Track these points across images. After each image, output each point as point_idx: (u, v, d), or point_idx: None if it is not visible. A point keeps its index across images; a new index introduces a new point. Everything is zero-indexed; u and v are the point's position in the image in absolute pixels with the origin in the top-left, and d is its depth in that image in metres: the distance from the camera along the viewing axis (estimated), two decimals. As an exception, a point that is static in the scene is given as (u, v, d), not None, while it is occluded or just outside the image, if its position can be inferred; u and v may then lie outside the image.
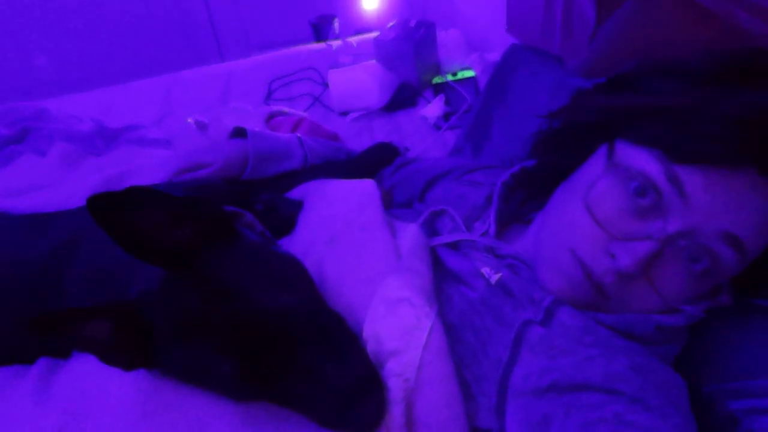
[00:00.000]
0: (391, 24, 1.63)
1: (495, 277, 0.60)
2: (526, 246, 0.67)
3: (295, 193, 0.88)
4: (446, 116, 1.48)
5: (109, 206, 0.46)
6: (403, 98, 1.58)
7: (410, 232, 0.65)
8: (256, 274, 0.52)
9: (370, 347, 0.54)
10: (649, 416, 0.47)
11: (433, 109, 1.49)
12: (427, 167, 0.92)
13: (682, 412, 0.49)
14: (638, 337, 0.57)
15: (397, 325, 0.54)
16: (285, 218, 0.80)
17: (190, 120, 1.02)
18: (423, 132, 1.48)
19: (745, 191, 0.50)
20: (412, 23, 1.58)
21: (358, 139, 1.47)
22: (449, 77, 1.60)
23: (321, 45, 1.97)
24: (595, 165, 0.58)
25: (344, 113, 1.58)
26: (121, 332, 0.50)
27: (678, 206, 0.51)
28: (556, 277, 0.58)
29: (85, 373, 0.56)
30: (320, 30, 2.38)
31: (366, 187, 0.74)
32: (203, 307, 0.49)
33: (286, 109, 1.19)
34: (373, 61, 1.62)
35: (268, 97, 1.70)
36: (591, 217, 0.55)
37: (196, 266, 0.51)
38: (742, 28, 0.74)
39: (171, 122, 1.60)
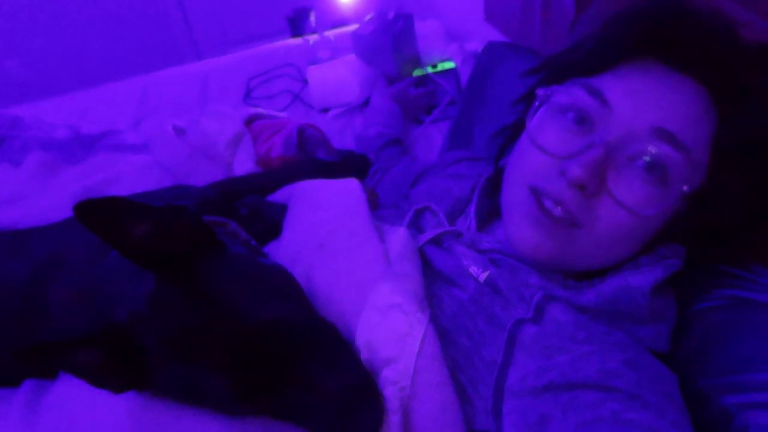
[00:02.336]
0: (368, 17, 1.61)
1: (483, 276, 0.60)
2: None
3: (280, 196, 0.87)
4: (428, 109, 1.47)
5: (96, 212, 0.44)
6: (383, 92, 1.56)
7: (398, 236, 0.64)
8: (245, 286, 0.51)
9: (364, 356, 0.54)
10: (647, 414, 0.47)
11: (414, 102, 1.48)
12: (410, 166, 0.92)
13: (677, 406, 0.49)
14: (626, 315, 0.57)
15: (390, 332, 0.54)
16: (270, 222, 0.79)
17: (168, 126, 1.00)
18: (406, 126, 1.47)
19: (661, 86, 0.55)
20: (390, 15, 1.56)
21: (340, 137, 1.46)
22: (429, 69, 1.59)
23: (298, 40, 1.95)
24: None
25: (325, 110, 1.56)
26: (111, 357, 0.49)
27: (605, 115, 0.55)
28: (522, 224, 0.59)
29: (74, 396, 0.55)
30: (297, 24, 2.35)
31: (352, 188, 0.73)
32: (194, 325, 0.48)
33: (265, 112, 1.16)
34: (352, 56, 1.60)
35: (248, 96, 1.68)
36: (538, 149, 0.58)
37: (184, 280, 0.50)
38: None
39: (148, 125, 1.57)
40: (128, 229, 0.46)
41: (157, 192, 0.80)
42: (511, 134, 0.72)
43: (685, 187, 0.53)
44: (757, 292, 0.58)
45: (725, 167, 0.55)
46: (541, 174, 0.57)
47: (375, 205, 0.86)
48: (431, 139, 1.40)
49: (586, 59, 0.60)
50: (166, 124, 1.01)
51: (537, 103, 0.61)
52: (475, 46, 1.71)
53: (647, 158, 0.53)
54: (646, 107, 0.54)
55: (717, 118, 0.55)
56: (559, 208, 0.55)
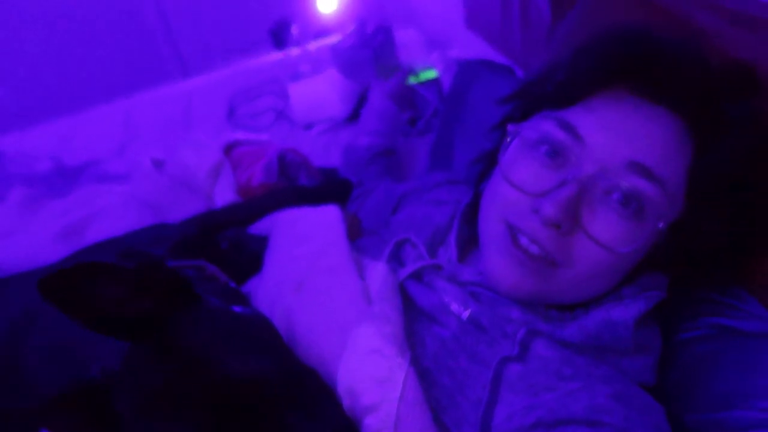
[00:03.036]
0: (348, 32, 1.60)
1: (465, 314, 0.59)
2: None
3: (260, 227, 0.86)
4: (412, 121, 1.47)
5: (62, 286, 0.43)
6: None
7: (378, 272, 0.63)
8: (221, 342, 0.50)
9: (346, 402, 0.53)
10: None
11: (397, 115, 1.46)
12: (391, 190, 0.91)
13: None
14: (611, 349, 0.56)
15: (370, 378, 0.53)
16: (252, 255, 0.78)
17: (147, 160, 0.99)
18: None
19: (635, 119, 0.53)
20: (369, 29, 1.55)
21: (325, 153, 1.44)
22: (412, 80, 1.58)
23: (280, 54, 1.94)
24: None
25: (308, 126, 1.55)
26: (89, 417, 0.48)
27: (579, 150, 0.54)
28: (500, 262, 0.58)
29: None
30: (279, 36, 2.33)
31: (331, 219, 0.72)
32: (170, 382, 0.47)
33: (244, 138, 1.15)
34: (333, 70, 1.60)
35: (231, 115, 1.67)
36: (511, 186, 0.57)
37: (160, 337, 0.49)
38: (697, 27, 0.73)
39: (132, 151, 1.56)
40: (100, 295, 0.46)
41: (136, 234, 0.79)
42: (488, 162, 0.71)
43: (660, 224, 0.53)
44: (741, 319, 0.58)
45: (703, 196, 0.54)
46: (515, 210, 0.56)
47: (357, 232, 0.85)
48: (417, 151, 1.39)
49: (558, 92, 0.58)
50: (145, 158, 1.00)
51: (508, 139, 0.60)
52: (457, 52, 1.70)
53: (622, 192, 0.52)
54: (619, 141, 0.53)
55: (693, 147, 0.54)
56: (535, 246, 0.54)
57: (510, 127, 0.60)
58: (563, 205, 0.51)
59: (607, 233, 0.52)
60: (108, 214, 1.01)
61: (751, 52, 0.66)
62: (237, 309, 0.57)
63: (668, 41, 0.56)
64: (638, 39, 0.56)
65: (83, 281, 0.44)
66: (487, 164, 0.71)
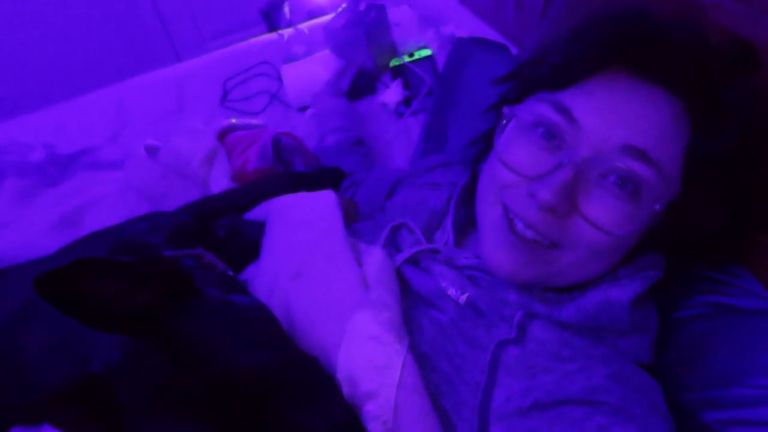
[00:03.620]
0: (340, 9, 1.57)
1: (463, 298, 0.59)
2: None
3: (256, 213, 0.86)
4: (407, 101, 1.45)
5: (58, 283, 0.43)
6: (361, 86, 1.54)
7: (375, 258, 0.63)
8: (221, 334, 0.50)
9: (346, 390, 0.53)
10: (633, 427, 0.47)
11: (392, 94, 1.45)
12: (384, 176, 0.90)
13: (662, 416, 0.49)
14: (608, 329, 0.56)
15: (369, 365, 0.53)
16: (249, 241, 0.78)
17: (140, 148, 0.98)
18: (386, 121, 1.45)
19: (630, 101, 0.52)
20: (362, 6, 1.53)
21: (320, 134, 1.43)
22: (406, 58, 1.56)
23: (273, 35, 1.91)
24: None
25: (303, 108, 1.54)
26: (92, 412, 0.48)
27: (574, 133, 0.53)
28: (497, 248, 0.58)
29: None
30: (271, 17, 2.31)
31: (327, 204, 0.72)
32: (173, 376, 0.47)
33: (238, 122, 1.14)
34: (326, 51, 1.58)
35: (224, 99, 1.65)
36: (507, 168, 0.56)
37: (160, 331, 0.49)
38: (702, 9, 0.72)
39: (126, 137, 1.55)
40: (98, 291, 0.45)
41: (131, 223, 0.79)
42: (484, 144, 0.70)
43: (657, 206, 0.52)
44: (737, 297, 0.58)
45: (700, 177, 0.53)
46: (512, 193, 0.56)
47: (354, 216, 0.85)
48: (411, 131, 1.38)
49: (553, 74, 0.57)
50: (138, 146, 0.99)
51: (504, 122, 0.59)
52: (451, 29, 1.68)
53: (618, 175, 0.51)
54: (615, 124, 0.52)
55: (690, 128, 0.54)
56: (531, 231, 0.54)
57: (505, 110, 0.59)
58: (559, 190, 0.51)
59: (604, 216, 0.52)
60: (104, 202, 1.01)
61: (750, 25, 0.65)
62: (236, 299, 0.57)
63: (665, 21, 0.55)
64: (634, 20, 0.55)
65: (81, 278, 0.44)
66: (484, 145, 0.71)
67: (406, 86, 1.48)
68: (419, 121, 1.38)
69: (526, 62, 0.65)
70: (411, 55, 1.58)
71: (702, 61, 0.53)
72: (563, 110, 0.54)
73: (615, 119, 0.52)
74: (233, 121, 1.13)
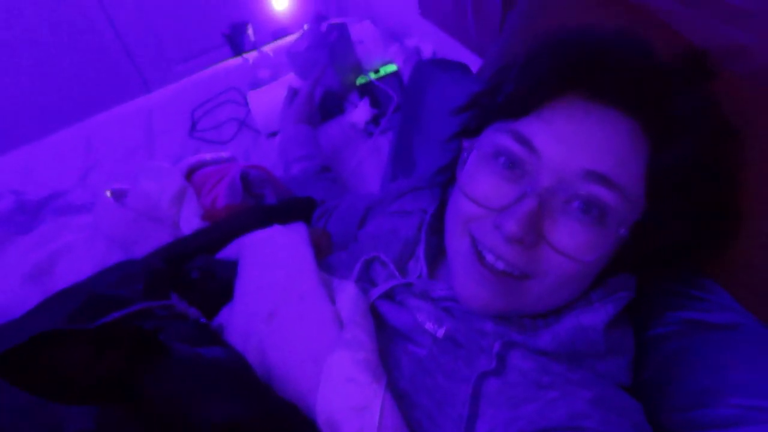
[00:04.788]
0: (301, 31, 1.57)
1: (441, 332, 0.59)
2: None
3: (229, 252, 0.85)
4: (375, 119, 1.45)
5: (21, 361, 0.42)
6: (329, 107, 1.54)
7: (348, 294, 0.63)
8: (194, 390, 0.49)
9: (326, 435, 0.53)
10: None
11: (360, 113, 1.45)
12: (356, 202, 0.90)
13: None
14: (585, 353, 0.56)
15: (348, 408, 0.53)
16: (223, 281, 0.77)
17: (107, 192, 0.96)
18: (356, 140, 1.45)
19: (588, 125, 0.53)
20: (323, 27, 1.52)
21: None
22: (372, 75, 1.56)
23: (238, 60, 1.90)
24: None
25: (273, 134, 1.53)
26: None
27: (535, 161, 0.53)
28: (469, 282, 0.58)
29: None
30: (235, 40, 2.30)
31: (297, 241, 0.71)
32: None
33: (206, 157, 1.13)
34: (291, 74, 1.57)
35: (193, 129, 1.64)
36: (471, 201, 0.56)
37: (130, 397, 0.48)
38: (647, 8, 0.72)
39: (95, 177, 1.53)
40: (62, 362, 0.44)
41: (102, 276, 0.77)
42: (450, 173, 0.70)
43: (622, 230, 0.52)
44: (708, 311, 0.58)
45: (663, 194, 0.54)
46: (478, 225, 0.56)
47: (328, 247, 0.84)
48: (381, 150, 1.38)
49: (509, 104, 0.58)
50: (106, 189, 0.97)
51: (465, 155, 0.59)
52: (416, 41, 1.69)
53: (582, 201, 0.52)
54: (575, 150, 0.52)
55: (649, 146, 0.54)
56: (501, 262, 0.54)
57: (465, 143, 0.59)
58: (524, 221, 0.51)
59: (570, 242, 0.52)
60: (74, 251, 0.99)
61: (706, 30, 0.66)
62: (206, 352, 0.56)
63: (612, 42, 0.55)
64: (581, 45, 0.55)
65: (42, 352, 0.43)
66: (449, 174, 0.71)
67: (374, 104, 1.48)
68: (388, 139, 1.38)
69: (483, 92, 0.65)
70: (377, 71, 1.58)
71: (650, 78, 0.54)
72: (522, 140, 0.54)
73: (574, 145, 0.52)
74: (202, 156, 1.11)
